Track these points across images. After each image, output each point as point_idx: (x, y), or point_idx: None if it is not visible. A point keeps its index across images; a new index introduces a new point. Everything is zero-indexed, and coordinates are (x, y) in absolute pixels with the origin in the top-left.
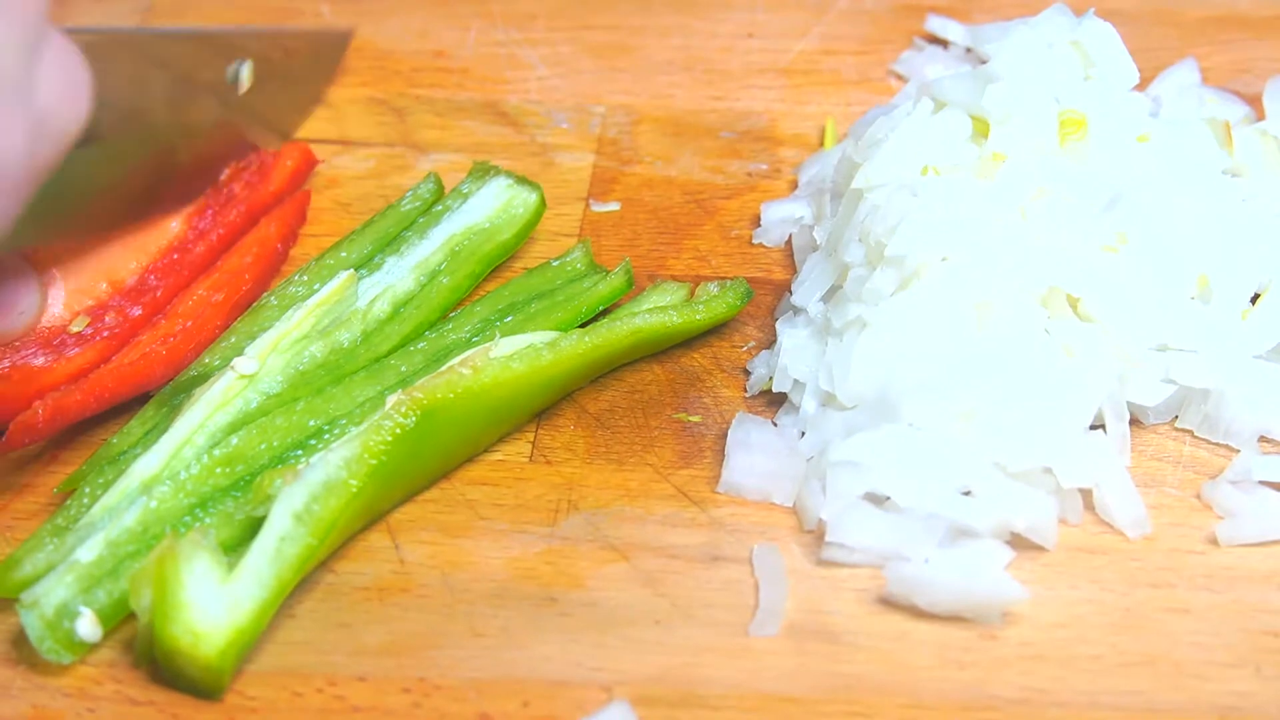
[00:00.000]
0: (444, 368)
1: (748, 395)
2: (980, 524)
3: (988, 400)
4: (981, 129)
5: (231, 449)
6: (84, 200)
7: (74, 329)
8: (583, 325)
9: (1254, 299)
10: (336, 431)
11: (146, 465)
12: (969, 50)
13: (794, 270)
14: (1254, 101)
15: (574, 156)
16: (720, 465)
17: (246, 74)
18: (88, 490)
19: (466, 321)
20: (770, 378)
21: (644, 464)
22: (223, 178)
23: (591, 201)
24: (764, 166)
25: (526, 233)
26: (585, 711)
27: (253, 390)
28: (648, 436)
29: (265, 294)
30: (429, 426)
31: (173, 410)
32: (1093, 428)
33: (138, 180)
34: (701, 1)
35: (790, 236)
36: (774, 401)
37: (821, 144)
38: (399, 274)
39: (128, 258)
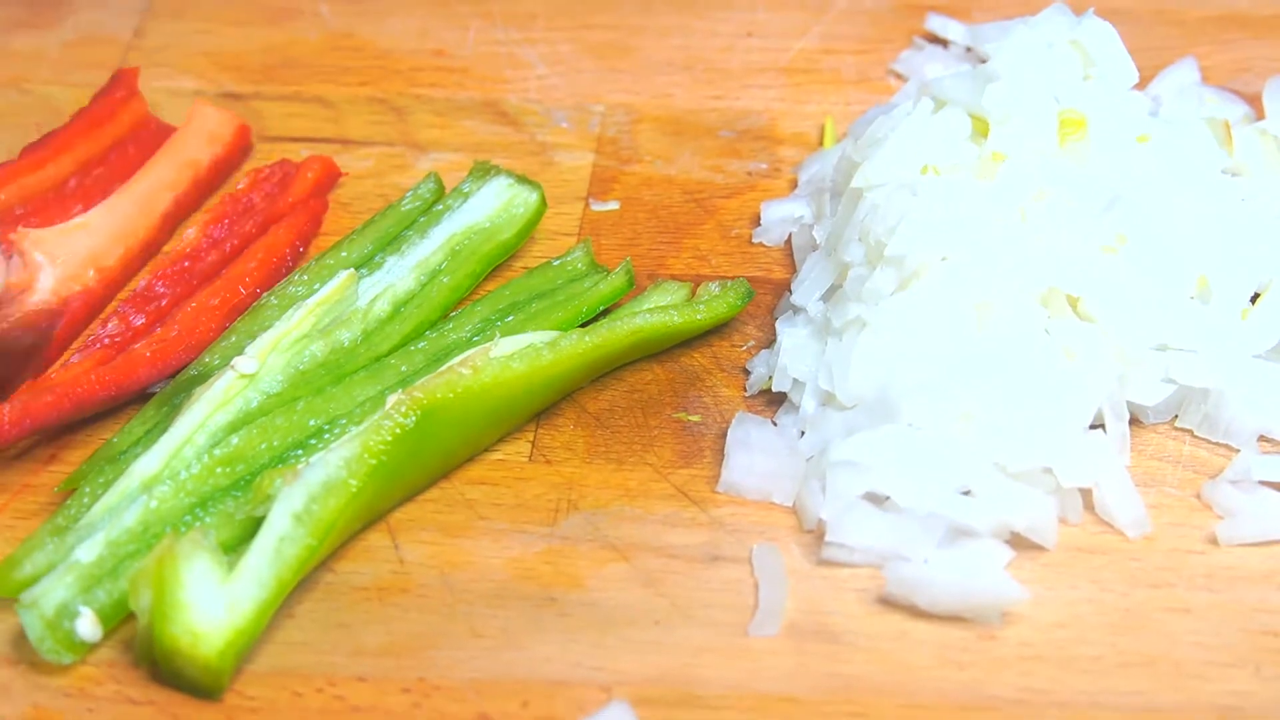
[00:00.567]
0: (444, 367)
1: (747, 395)
2: (980, 524)
3: (988, 400)
4: (981, 128)
5: (232, 449)
6: None
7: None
8: (583, 325)
9: (1254, 299)
10: (337, 431)
11: (147, 465)
12: (969, 50)
13: (794, 270)
14: (1254, 101)
15: (574, 156)
16: (720, 465)
17: None
18: (88, 490)
19: (467, 321)
20: (770, 377)
21: (644, 464)
22: (241, 187)
23: (591, 201)
24: (764, 166)
25: (527, 232)
26: (585, 711)
27: (253, 390)
28: (647, 436)
29: (265, 294)
30: (429, 426)
31: (173, 410)
32: (1092, 427)
33: None
34: (701, 1)
35: (790, 236)
36: (774, 401)
37: (821, 143)
38: (399, 273)
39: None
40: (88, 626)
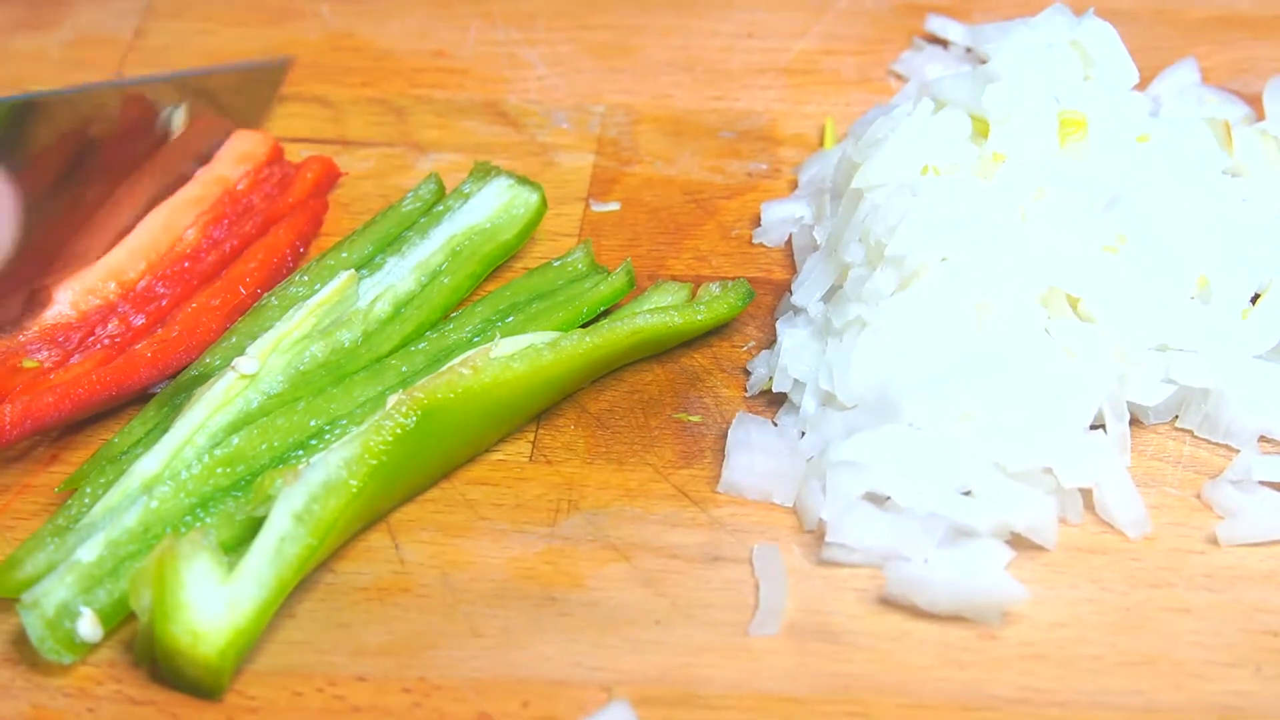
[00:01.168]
0: (445, 368)
1: (748, 395)
2: (980, 524)
3: (988, 400)
4: (981, 129)
5: (232, 449)
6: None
7: (26, 364)
8: (584, 325)
9: (1254, 299)
10: (337, 431)
11: (147, 465)
12: (969, 50)
13: (794, 270)
14: (1254, 101)
15: (574, 156)
16: (720, 465)
17: (179, 120)
18: (88, 490)
19: (467, 321)
20: (770, 377)
21: (644, 464)
22: (242, 188)
23: (591, 201)
24: (764, 166)
25: (528, 233)
26: (585, 711)
27: (254, 390)
28: (648, 436)
29: (266, 294)
30: (429, 426)
31: (174, 410)
32: (1093, 428)
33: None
34: (701, 1)
35: (790, 236)
36: (774, 401)
37: (821, 144)
38: (400, 274)
39: (137, 259)
40: (88, 626)
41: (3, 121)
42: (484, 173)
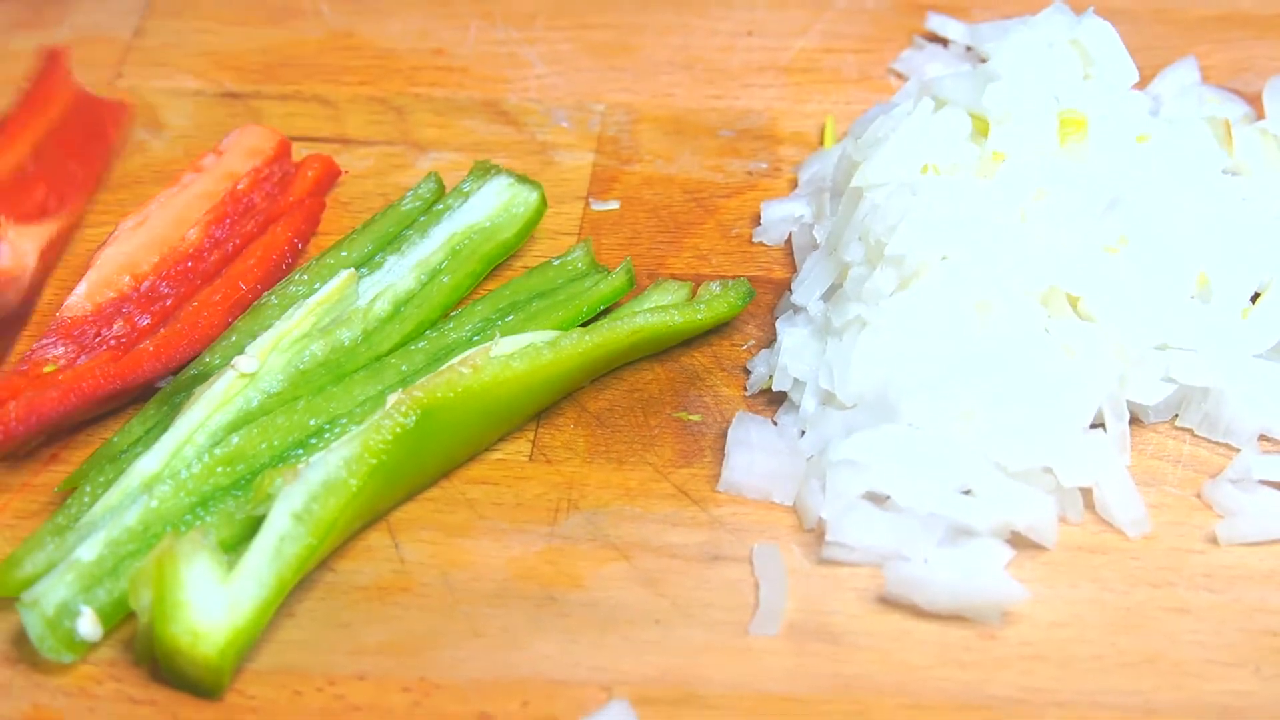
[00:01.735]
0: (444, 367)
1: (748, 394)
2: (980, 523)
3: (988, 400)
4: (981, 128)
5: (232, 448)
6: None
7: (48, 370)
8: (584, 324)
9: (1254, 298)
10: (337, 430)
11: (147, 464)
12: (969, 49)
13: (794, 269)
14: (1254, 100)
15: (574, 155)
16: (720, 464)
17: None
18: (88, 489)
19: (467, 320)
20: (770, 377)
21: (644, 463)
22: (243, 187)
23: (591, 200)
24: (764, 165)
25: (527, 232)
26: (585, 711)
27: (253, 389)
28: (648, 435)
29: (266, 293)
30: (429, 426)
31: (173, 409)
32: (1093, 427)
33: None
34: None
35: (790, 235)
36: (774, 400)
37: (821, 142)
38: (400, 273)
39: (150, 252)
40: (88, 625)
41: None
42: (484, 171)
